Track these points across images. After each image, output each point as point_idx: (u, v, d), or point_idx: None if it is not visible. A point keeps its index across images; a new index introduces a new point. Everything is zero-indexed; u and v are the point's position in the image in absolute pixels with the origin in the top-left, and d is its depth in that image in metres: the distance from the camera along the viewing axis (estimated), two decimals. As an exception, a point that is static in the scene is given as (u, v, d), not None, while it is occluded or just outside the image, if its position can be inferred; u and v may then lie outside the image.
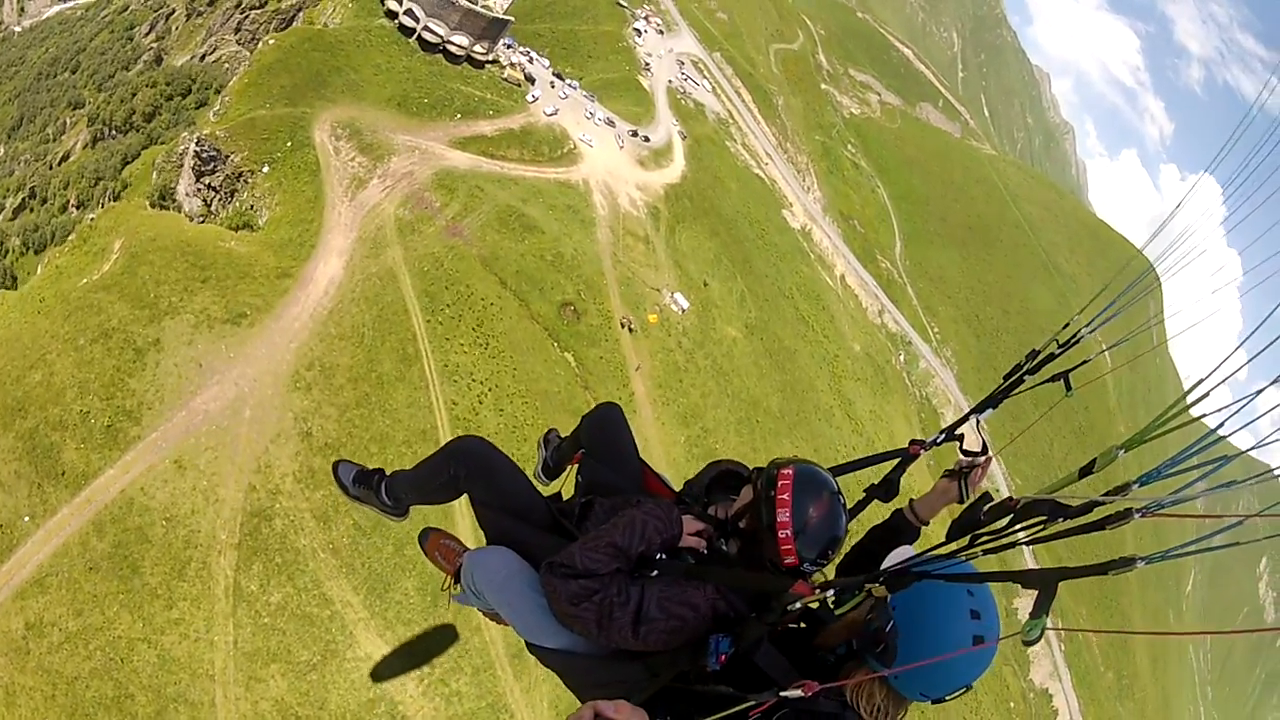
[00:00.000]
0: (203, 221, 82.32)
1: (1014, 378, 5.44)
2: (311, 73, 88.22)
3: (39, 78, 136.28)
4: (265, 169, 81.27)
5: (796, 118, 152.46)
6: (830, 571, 4.64)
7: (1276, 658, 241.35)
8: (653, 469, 5.70)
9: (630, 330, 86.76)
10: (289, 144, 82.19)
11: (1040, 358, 5.31)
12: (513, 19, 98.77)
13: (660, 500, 4.88)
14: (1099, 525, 2.94)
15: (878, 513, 5.26)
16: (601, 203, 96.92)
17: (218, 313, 63.09)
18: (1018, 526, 3.45)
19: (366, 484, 6.22)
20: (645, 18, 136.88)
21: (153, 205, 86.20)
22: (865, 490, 5.24)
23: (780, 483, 4.36)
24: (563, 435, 6.57)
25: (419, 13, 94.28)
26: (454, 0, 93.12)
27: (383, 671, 54.95)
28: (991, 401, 5.43)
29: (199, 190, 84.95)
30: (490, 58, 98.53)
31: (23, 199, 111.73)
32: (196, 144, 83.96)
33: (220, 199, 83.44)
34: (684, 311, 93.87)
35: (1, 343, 59.38)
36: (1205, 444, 2.89)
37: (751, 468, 4.98)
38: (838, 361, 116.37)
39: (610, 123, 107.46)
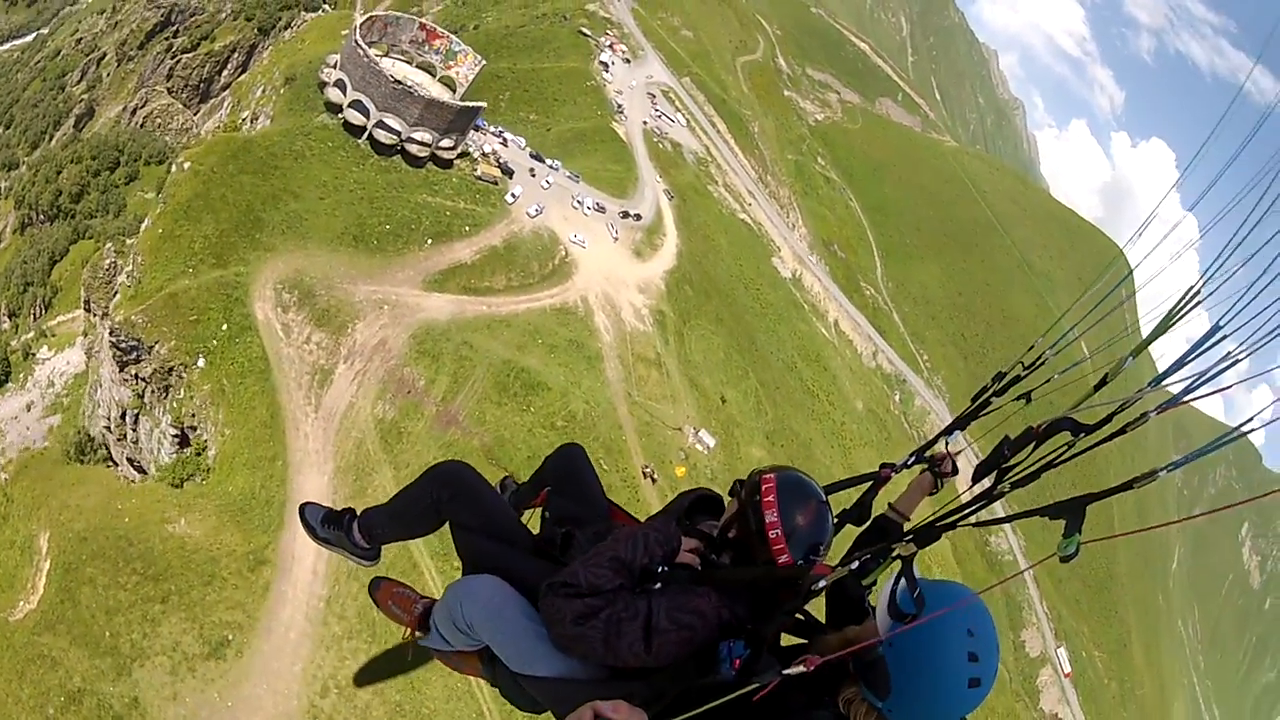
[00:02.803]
0: (141, 475, 61.27)
1: (980, 400, 4.90)
2: (241, 209, 62.92)
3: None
4: (200, 363, 57.82)
5: (771, 142, 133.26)
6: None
7: (1265, 621, 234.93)
8: (619, 506, 5.28)
9: (653, 480, 67.18)
10: (224, 327, 58.20)
11: (1006, 379, 4.87)
12: (484, 105, 73.64)
13: (656, 517, 4.56)
14: (1120, 432, 2.96)
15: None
16: (605, 325, 74.62)
17: (194, 647, 46.08)
18: (1043, 453, 3.25)
19: (337, 525, 5.41)
20: (610, 46, 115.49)
21: (72, 458, 63.40)
22: (836, 517, 4.42)
23: (764, 487, 4.09)
24: (518, 482, 5.98)
25: (369, 106, 68.44)
26: (412, 90, 67.59)
27: None
28: (959, 424, 5.01)
29: (126, 380, 61.00)
30: (459, 151, 73.71)
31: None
32: (111, 334, 59.78)
33: (153, 391, 60.01)
34: (709, 450, 73.72)
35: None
36: (1210, 343, 2.78)
37: (734, 482, 4.42)
38: (844, 430, 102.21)
39: (600, 208, 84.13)
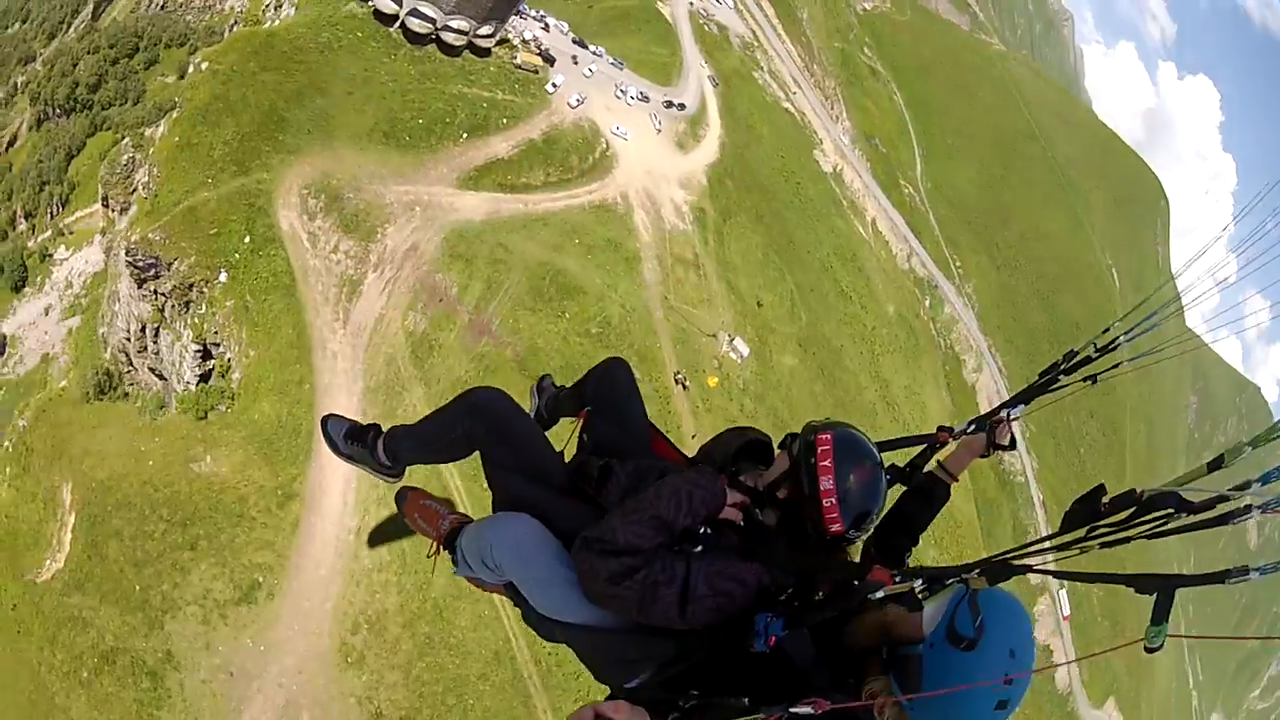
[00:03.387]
0: (162, 408, 57.37)
1: (1049, 377, 4.72)
2: (263, 110, 58.25)
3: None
4: (222, 276, 54.05)
5: (818, 29, 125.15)
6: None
7: (1254, 586, 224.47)
8: (662, 433, 4.95)
9: (684, 388, 65.37)
10: (247, 239, 54.34)
11: (1076, 359, 4.62)
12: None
13: (703, 469, 4.14)
14: (1222, 520, 2.81)
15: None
16: (644, 223, 71.03)
17: (225, 593, 45.29)
18: (1139, 520, 3.16)
19: (360, 442, 4.98)
20: None
21: (92, 398, 59.90)
22: (887, 471, 4.30)
23: (820, 448, 3.89)
24: (558, 384, 5.63)
25: (402, -11, 63.68)
26: (448, -28, 62.61)
27: None
28: (1024, 398, 4.80)
29: (145, 296, 57.22)
30: (498, 39, 68.71)
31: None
32: (127, 254, 55.44)
33: (173, 306, 56.29)
34: (743, 360, 71.32)
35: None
36: None
37: (785, 435, 4.27)
38: (875, 335, 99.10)
39: (644, 97, 79.32)
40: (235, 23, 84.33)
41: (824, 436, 3.92)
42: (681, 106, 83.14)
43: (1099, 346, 4.62)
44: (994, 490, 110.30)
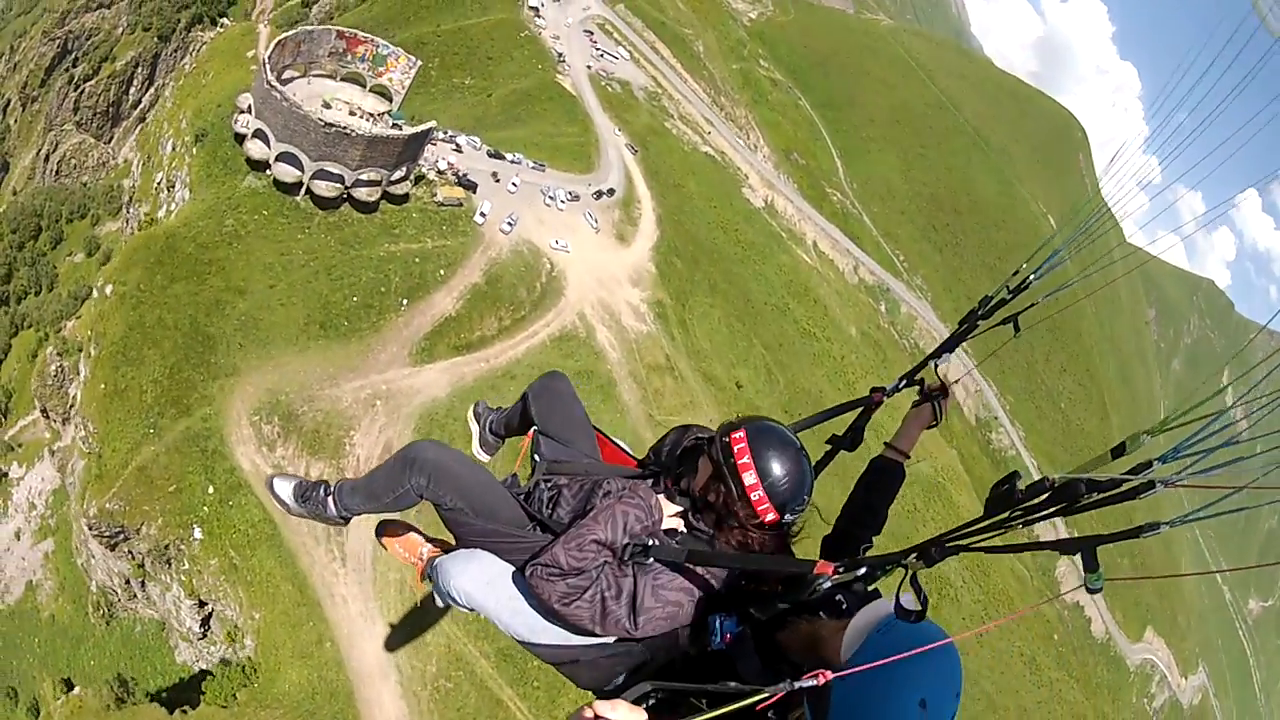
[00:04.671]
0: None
1: (967, 324, 4.92)
2: (184, 331, 52.51)
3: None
4: (197, 533, 49.09)
5: (715, 58, 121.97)
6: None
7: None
8: (609, 436, 5.17)
9: None
10: (211, 489, 49.06)
11: (992, 303, 4.75)
12: (435, 124, 62.34)
13: (638, 488, 4.25)
14: (1129, 496, 2.91)
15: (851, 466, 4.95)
16: (609, 340, 66.56)
17: None
18: (1052, 502, 3.17)
19: (311, 500, 5.20)
20: None
21: (112, 709, 50.86)
22: (828, 441, 4.84)
23: (736, 447, 3.95)
24: (493, 405, 5.94)
25: (300, 156, 57.12)
26: (349, 131, 56.34)
27: None
28: (947, 347, 4.99)
29: (120, 556, 52.15)
30: (413, 179, 63.16)
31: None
32: (90, 529, 50.76)
33: (153, 562, 51.18)
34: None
35: None
36: (1213, 430, 2.82)
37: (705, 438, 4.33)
38: (846, 364, 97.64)
39: (574, 196, 74.44)
40: (130, 200, 78.18)
41: (737, 435, 3.95)
42: (611, 192, 78.75)
43: (1011, 288, 4.62)
44: (988, 471, 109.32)
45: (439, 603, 4.89)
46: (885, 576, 3.48)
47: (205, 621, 51.28)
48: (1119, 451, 3.37)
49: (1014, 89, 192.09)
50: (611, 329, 67.39)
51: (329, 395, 53.28)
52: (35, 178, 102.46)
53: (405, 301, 58.90)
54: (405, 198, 63.02)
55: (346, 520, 5.20)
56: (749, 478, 3.85)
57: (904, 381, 4.92)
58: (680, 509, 4.19)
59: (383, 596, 48.68)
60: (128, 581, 54.60)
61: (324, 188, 58.79)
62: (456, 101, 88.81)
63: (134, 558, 51.78)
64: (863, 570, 3.37)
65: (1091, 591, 2.93)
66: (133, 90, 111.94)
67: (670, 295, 75.12)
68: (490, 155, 72.64)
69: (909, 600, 2.99)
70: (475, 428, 5.89)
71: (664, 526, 4.12)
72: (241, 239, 57.37)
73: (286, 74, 60.42)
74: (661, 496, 4.23)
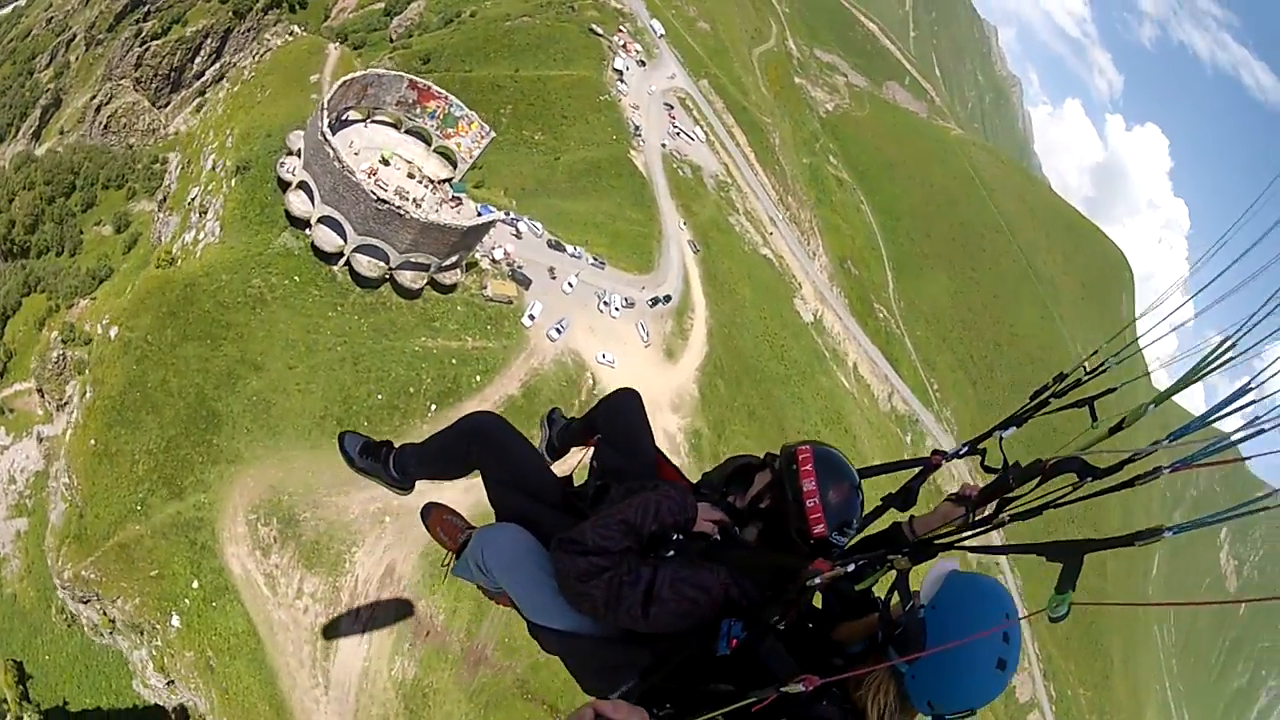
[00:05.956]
0: None
1: (1040, 399, 4.52)
2: (189, 401, 48.29)
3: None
4: (175, 621, 45.98)
5: (789, 151, 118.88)
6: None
7: (1239, 625, 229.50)
8: (669, 459, 5.32)
9: None
10: (195, 584, 45.72)
11: (1067, 381, 4.45)
12: (500, 216, 57.28)
13: (676, 485, 4.55)
14: (1129, 483, 2.88)
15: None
16: (640, 472, 61.97)
17: None
18: (1047, 490, 3.37)
19: (374, 456, 5.72)
20: (624, 46, 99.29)
21: None
22: (882, 499, 4.81)
23: (801, 457, 4.15)
24: (566, 416, 6.09)
25: (344, 225, 52.06)
26: (402, 212, 51.13)
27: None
28: (1015, 420, 4.51)
29: (94, 609, 49.50)
30: (465, 265, 58.14)
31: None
32: (63, 589, 49.02)
33: (125, 631, 48.83)
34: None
35: None
36: (1234, 406, 2.75)
37: (765, 454, 4.65)
38: (866, 500, 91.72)
39: (629, 303, 69.61)
40: (164, 201, 74.53)
41: (804, 449, 4.17)
42: (667, 299, 74.22)
43: (1089, 369, 4.43)
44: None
45: (459, 577, 5.11)
46: (874, 575, 3.57)
47: (170, 683, 48.63)
48: (1117, 428, 3.30)
49: (1071, 220, 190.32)
50: (646, 460, 62.75)
51: (335, 504, 48.72)
52: (84, 123, 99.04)
53: (435, 407, 53.80)
54: (453, 287, 58.00)
55: (403, 485, 5.65)
56: (808, 484, 3.99)
57: (966, 448, 4.68)
58: (718, 517, 4.27)
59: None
60: (94, 625, 51.68)
61: (366, 264, 53.84)
62: (522, 158, 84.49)
63: (106, 615, 48.81)
64: (852, 567, 3.52)
65: (1054, 619, 2.83)
66: (198, 60, 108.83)
67: (709, 424, 70.88)
68: (551, 245, 67.82)
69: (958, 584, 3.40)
70: (545, 432, 5.99)
71: (696, 529, 4.17)
72: (266, 305, 52.44)
73: (347, 114, 55.69)
74: (704, 504, 4.30)
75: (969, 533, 3.45)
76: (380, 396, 52.49)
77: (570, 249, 68.70)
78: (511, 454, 4.77)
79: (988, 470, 4.24)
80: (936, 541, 3.43)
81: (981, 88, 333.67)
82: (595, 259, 70.12)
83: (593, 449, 5.30)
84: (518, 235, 66.12)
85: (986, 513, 3.57)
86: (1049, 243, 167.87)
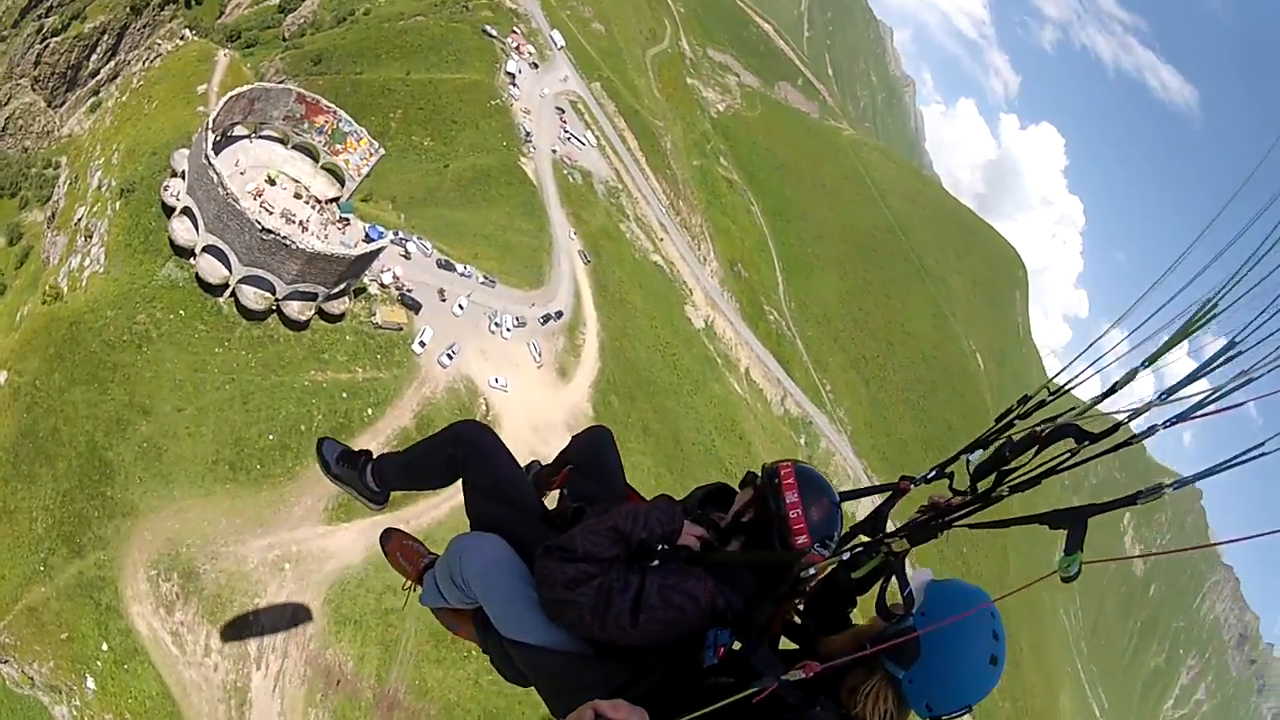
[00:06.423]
0: None
1: (1005, 421, 4.44)
2: (81, 452, 47.39)
3: None
4: (90, 683, 45.15)
5: (680, 155, 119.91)
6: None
7: (1149, 607, 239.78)
8: (637, 492, 5.28)
9: None
10: (104, 647, 45.00)
11: (1031, 404, 4.42)
12: (387, 243, 56.72)
13: (663, 496, 4.51)
14: (1127, 443, 2.95)
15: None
16: (536, 497, 62.44)
17: None
18: (1044, 458, 3.40)
19: (351, 465, 5.55)
20: (517, 48, 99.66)
21: None
22: (851, 528, 4.61)
23: (784, 472, 4.20)
24: (543, 464, 5.76)
25: (229, 256, 51.01)
26: (288, 242, 50.25)
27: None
28: (981, 443, 4.42)
29: (12, 667, 47.56)
30: (353, 291, 57.46)
31: None
32: None
33: (44, 686, 47.12)
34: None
35: None
36: (1226, 356, 2.80)
37: (745, 473, 4.67)
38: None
39: (520, 322, 69.87)
40: (53, 217, 70.51)
41: (786, 465, 4.21)
42: (559, 315, 75.06)
43: (1051, 390, 4.36)
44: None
45: (430, 605, 5.05)
46: (871, 564, 3.71)
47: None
48: (1110, 392, 3.36)
49: (963, 219, 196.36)
50: (541, 485, 63.28)
51: (234, 553, 48.11)
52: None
53: (325, 445, 53.10)
54: (341, 316, 57.36)
55: (379, 498, 5.50)
56: (791, 496, 4.03)
57: (934, 472, 4.58)
58: (699, 532, 4.30)
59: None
60: (16, 680, 49.15)
61: (252, 296, 52.90)
62: (411, 165, 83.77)
63: (25, 674, 47.24)
64: (847, 556, 3.66)
65: (1066, 580, 2.93)
66: (94, 58, 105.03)
67: (604, 439, 71.54)
68: (440, 265, 67.51)
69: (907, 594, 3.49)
70: None
71: (681, 542, 4.20)
72: (152, 342, 51.14)
73: (234, 130, 54.41)
74: (687, 520, 4.33)
75: (967, 510, 3.51)
76: (272, 437, 51.70)
77: (460, 268, 68.53)
78: (496, 463, 4.71)
79: (955, 494, 4.44)
80: (934, 522, 3.50)
81: (874, 88, 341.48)
82: (486, 277, 70.15)
83: (564, 477, 5.28)
84: (407, 256, 65.57)
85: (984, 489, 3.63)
86: (941, 242, 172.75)
